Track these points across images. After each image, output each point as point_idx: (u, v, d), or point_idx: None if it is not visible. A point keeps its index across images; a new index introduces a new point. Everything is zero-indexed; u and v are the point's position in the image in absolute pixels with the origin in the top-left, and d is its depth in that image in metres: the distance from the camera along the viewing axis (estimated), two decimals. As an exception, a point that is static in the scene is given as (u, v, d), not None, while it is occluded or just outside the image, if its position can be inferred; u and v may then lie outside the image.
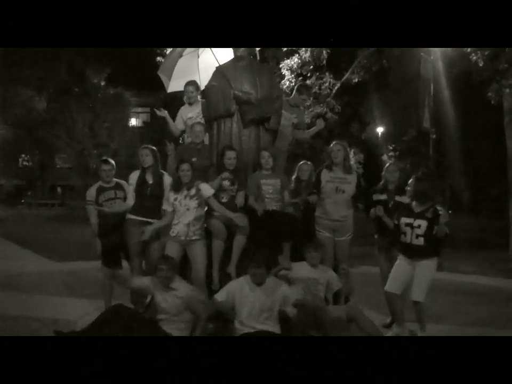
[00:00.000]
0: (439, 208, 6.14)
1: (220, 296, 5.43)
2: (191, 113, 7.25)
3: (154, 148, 6.67)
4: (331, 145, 6.76)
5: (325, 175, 6.64)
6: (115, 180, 6.90)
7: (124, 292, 6.92)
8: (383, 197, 6.73)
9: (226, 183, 6.39)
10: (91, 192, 6.85)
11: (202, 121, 7.11)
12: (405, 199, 6.44)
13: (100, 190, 6.81)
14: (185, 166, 6.14)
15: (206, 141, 7.02)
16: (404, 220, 6.08)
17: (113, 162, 6.93)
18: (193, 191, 6.13)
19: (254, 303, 5.32)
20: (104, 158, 7.22)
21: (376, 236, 6.89)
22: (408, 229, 6.04)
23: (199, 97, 7.40)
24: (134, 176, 6.63)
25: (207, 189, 6.15)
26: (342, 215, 6.57)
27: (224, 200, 6.38)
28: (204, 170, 6.56)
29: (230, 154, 6.42)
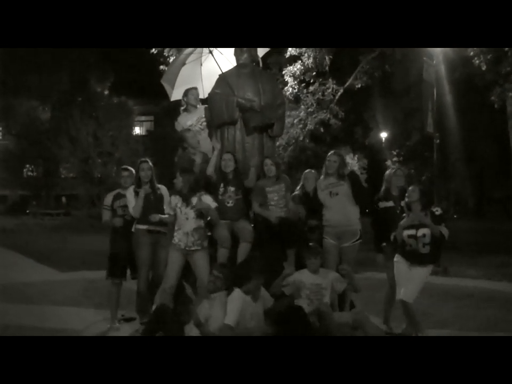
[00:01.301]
0: (434, 209, 6.15)
1: (233, 322, 5.22)
2: (190, 121, 7.26)
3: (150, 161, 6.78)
4: (329, 154, 6.71)
5: (320, 184, 6.63)
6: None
7: (128, 302, 6.94)
8: (390, 203, 6.69)
9: (231, 188, 6.42)
10: (108, 198, 6.98)
11: (203, 126, 7.18)
12: None
13: (117, 196, 6.89)
14: (178, 175, 6.25)
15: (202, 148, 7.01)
16: (407, 233, 6.05)
17: (132, 169, 7.00)
18: (194, 201, 6.15)
19: (251, 313, 5.36)
20: (124, 166, 7.39)
21: (384, 244, 6.81)
22: (412, 241, 6.02)
23: (198, 105, 7.43)
24: (131, 191, 6.65)
25: (209, 201, 6.17)
26: (344, 219, 6.47)
27: (230, 204, 6.42)
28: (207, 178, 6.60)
29: (225, 156, 6.52)
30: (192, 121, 7.25)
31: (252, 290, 5.41)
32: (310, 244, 6.07)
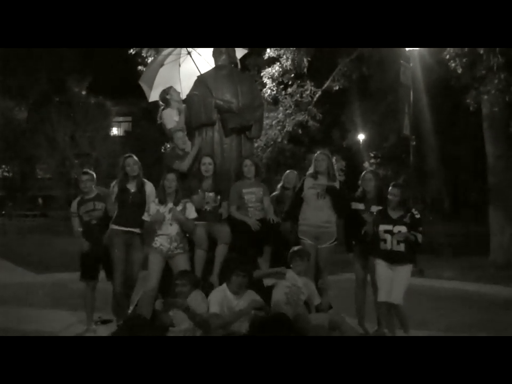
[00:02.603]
0: (414, 212, 6.21)
1: (217, 310, 5.40)
2: (177, 117, 7.18)
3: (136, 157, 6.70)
4: (315, 154, 6.75)
5: (308, 182, 6.63)
6: (96, 190, 6.87)
7: (105, 304, 6.90)
8: (361, 206, 6.71)
9: (210, 194, 6.40)
10: (74, 205, 6.88)
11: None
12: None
13: (80, 202, 6.80)
14: (171, 176, 6.15)
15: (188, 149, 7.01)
16: (383, 227, 6.09)
17: (92, 172, 6.93)
18: (179, 207, 6.13)
19: (230, 308, 5.45)
20: (84, 169, 7.23)
21: (353, 243, 6.87)
22: (388, 236, 6.06)
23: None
24: (115, 184, 6.62)
25: (191, 212, 6.18)
26: (323, 221, 6.51)
27: (208, 209, 6.41)
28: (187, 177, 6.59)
29: (205, 160, 6.47)
30: (178, 117, 7.19)
31: (233, 288, 5.51)
32: (297, 248, 6.11)
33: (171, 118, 7.15)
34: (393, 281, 6.04)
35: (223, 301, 5.45)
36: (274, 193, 7.19)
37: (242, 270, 5.52)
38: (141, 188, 6.55)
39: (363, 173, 7.00)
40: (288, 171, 7.22)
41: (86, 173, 6.93)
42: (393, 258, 6.06)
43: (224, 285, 5.60)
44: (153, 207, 6.19)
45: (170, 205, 6.15)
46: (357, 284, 6.87)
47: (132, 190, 6.52)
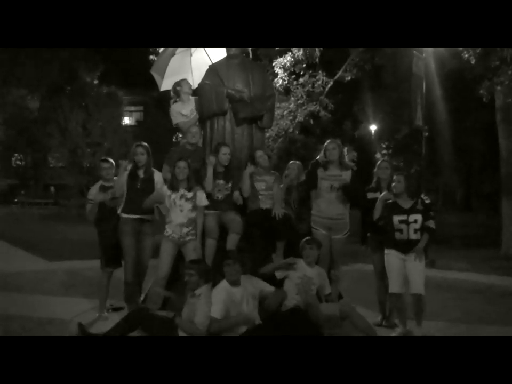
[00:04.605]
0: (424, 197, 6.20)
1: (219, 314, 5.27)
2: (185, 110, 7.22)
3: (147, 145, 6.70)
4: (325, 143, 6.72)
5: (321, 173, 6.61)
6: (116, 178, 6.92)
7: (118, 291, 6.93)
8: (377, 195, 6.72)
9: (220, 181, 6.41)
10: (92, 191, 6.87)
11: (197, 117, 7.14)
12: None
13: (101, 189, 6.82)
14: (182, 164, 6.16)
15: (200, 143, 7.02)
16: (397, 218, 6.04)
17: (112, 161, 6.96)
18: (190, 194, 6.15)
19: (238, 304, 5.41)
20: (103, 157, 7.26)
21: (369, 234, 6.87)
22: (403, 226, 6.01)
23: (190, 96, 7.40)
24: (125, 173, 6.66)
25: (202, 199, 6.18)
26: (337, 213, 6.51)
27: (220, 198, 6.42)
28: (195, 172, 6.58)
29: (225, 149, 6.48)
30: (187, 110, 7.21)
31: (229, 279, 5.46)
32: (307, 238, 6.09)
33: (177, 113, 7.17)
34: (412, 272, 5.99)
35: (226, 297, 5.35)
36: (281, 185, 7.19)
37: (228, 258, 5.50)
38: (150, 175, 6.60)
39: (379, 162, 7.05)
40: (290, 162, 7.19)
41: (107, 161, 6.95)
42: (408, 247, 6.00)
43: (223, 281, 5.51)
44: (166, 191, 6.23)
45: (182, 191, 6.17)
46: (377, 276, 6.85)
47: (141, 176, 6.55)
